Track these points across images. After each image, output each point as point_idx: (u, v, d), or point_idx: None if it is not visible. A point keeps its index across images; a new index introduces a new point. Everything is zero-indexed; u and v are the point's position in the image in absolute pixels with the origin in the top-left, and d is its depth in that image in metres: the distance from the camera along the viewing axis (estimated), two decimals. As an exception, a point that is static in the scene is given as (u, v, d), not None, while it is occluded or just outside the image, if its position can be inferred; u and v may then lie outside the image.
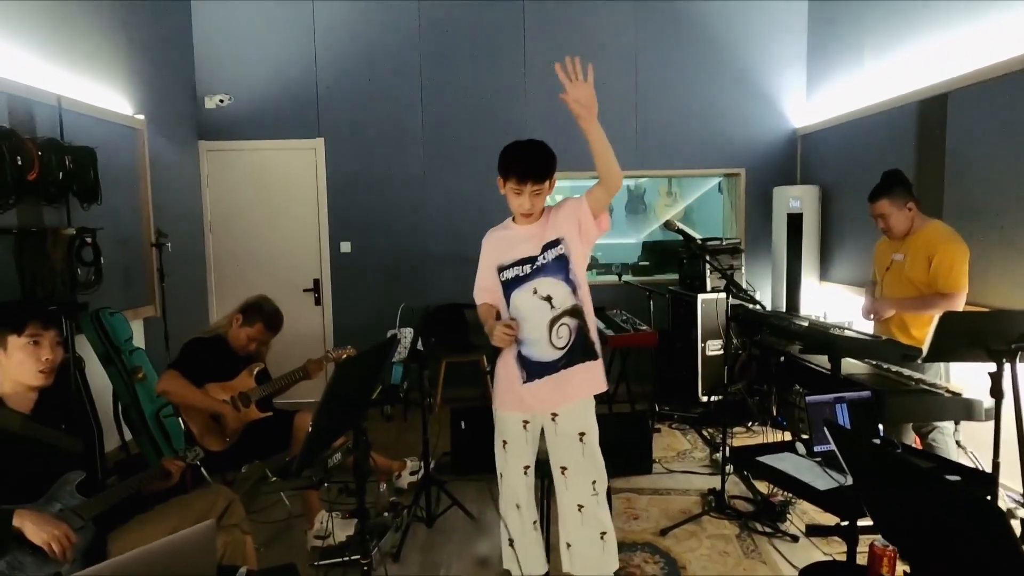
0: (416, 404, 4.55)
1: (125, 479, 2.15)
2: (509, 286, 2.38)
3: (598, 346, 2.42)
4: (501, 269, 2.39)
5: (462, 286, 5.53)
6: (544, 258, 2.32)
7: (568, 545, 2.45)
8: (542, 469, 2.52)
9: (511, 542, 2.50)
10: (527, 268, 2.34)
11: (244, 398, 3.05)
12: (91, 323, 3.62)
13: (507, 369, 2.42)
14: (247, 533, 2.23)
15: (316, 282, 5.50)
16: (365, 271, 5.50)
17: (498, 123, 5.43)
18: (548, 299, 2.31)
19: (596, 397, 2.47)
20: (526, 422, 2.42)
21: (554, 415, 2.39)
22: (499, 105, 5.46)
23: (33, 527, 1.79)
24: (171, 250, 4.43)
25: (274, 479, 2.97)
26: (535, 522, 2.53)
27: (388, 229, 5.50)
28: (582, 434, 2.38)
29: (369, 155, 5.44)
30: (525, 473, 2.46)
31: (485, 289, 2.51)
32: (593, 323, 2.40)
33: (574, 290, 2.33)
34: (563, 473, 2.40)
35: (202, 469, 2.82)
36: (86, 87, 3.82)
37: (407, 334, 3.44)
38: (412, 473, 3.70)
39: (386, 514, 3.12)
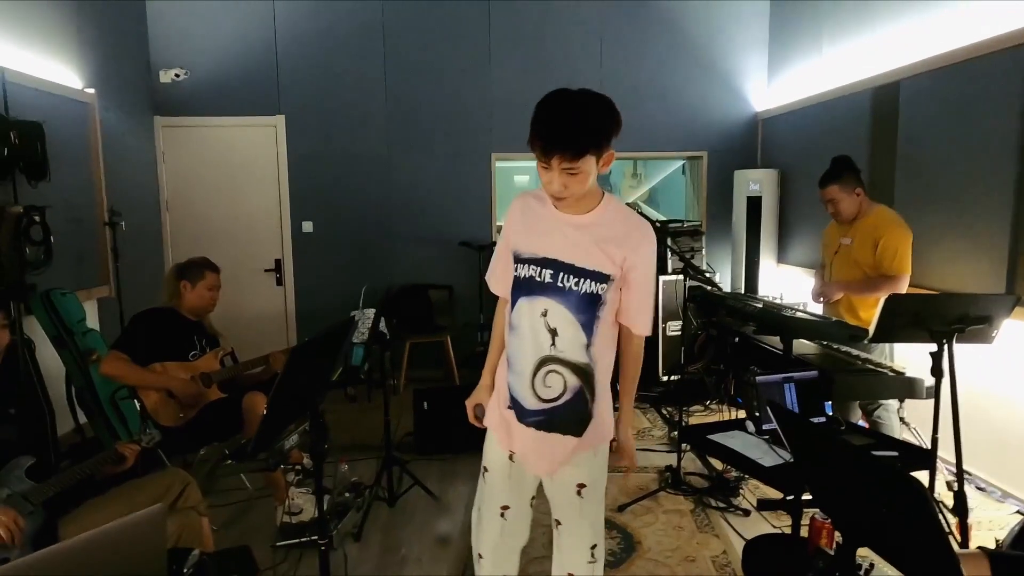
0: (379, 385, 4.55)
1: (78, 463, 2.13)
2: (520, 287, 1.73)
3: (601, 406, 1.78)
4: (518, 259, 1.74)
5: (426, 266, 5.55)
6: (579, 282, 1.66)
7: None
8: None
9: None
10: (548, 275, 1.68)
11: (206, 378, 3.03)
12: (41, 304, 3.53)
13: (499, 385, 1.86)
14: (203, 515, 2.23)
15: (277, 262, 5.43)
16: (328, 251, 5.44)
17: (463, 102, 5.39)
18: (553, 333, 1.68)
19: None
20: (513, 452, 1.83)
21: None
22: (464, 84, 5.41)
23: (-21, 513, 1.76)
24: (125, 229, 4.32)
25: (230, 461, 2.96)
26: None
27: (351, 209, 5.44)
28: (581, 486, 1.80)
29: (332, 133, 5.36)
30: (502, 515, 1.87)
31: (498, 276, 1.86)
32: (607, 398, 1.78)
33: (588, 344, 1.70)
34: (557, 528, 1.90)
35: (159, 452, 2.80)
36: (32, 60, 3.68)
37: (369, 315, 3.42)
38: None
39: (347, 494, 3.14)
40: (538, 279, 1.68)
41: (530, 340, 1.71)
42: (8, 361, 2.09)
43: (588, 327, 1.68)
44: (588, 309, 1.67)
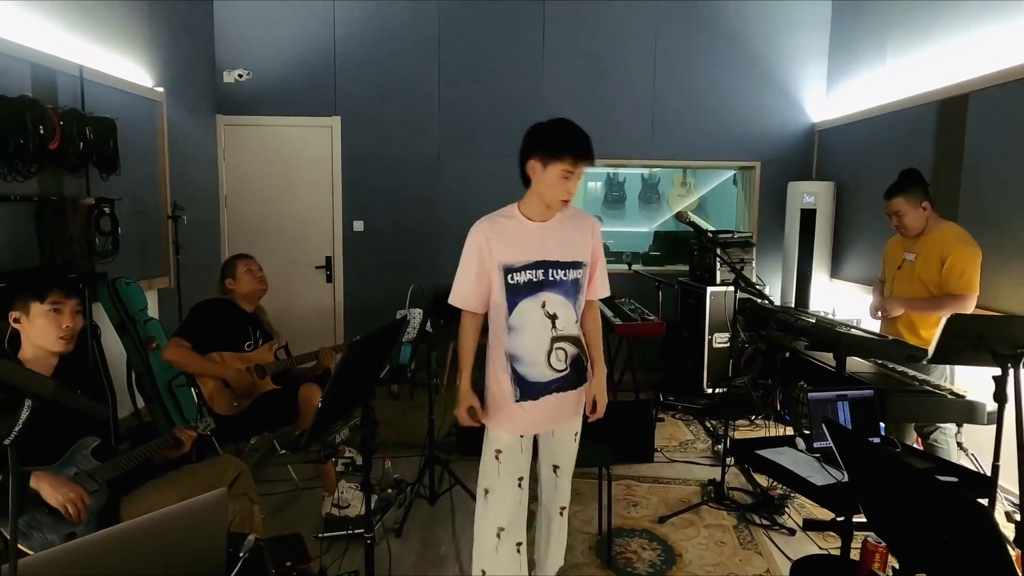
0: (423, 384, 4.60)
1: (137, 446, 2.21)
2: (518, 292, 2.10)
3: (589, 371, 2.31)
4: (510, 271, 2.09)
5: (472, 269, 5.59)
6: (565, 273, 2.12)
7: (546, 544, 2.42)
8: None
9: (483, 573, 2.20)
10: (540, 274, 2.09)
11: (260, 370, 3.12)
12: (107, 292, 3.68)
13: (499, 387, 2.19)
14: (255, 503, 2.29)
15: (328, 259, 5.54)
16: (377, 250, 5.53)
17: (515, 106, 5.43)
18: (553, 317, 2.11)
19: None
20: (522, 435, 2.22)
21: None
22: (517, 88, 5.45)
23: (50, 489, 1.85)
24: (187, 223, 4.48)
25: (283, 451, 3.03)
26: (519, 544, 2.22)
27: (401, 209, 5.52)
28: (576, 434, 2.35)
29: (385, 135, 5.46)
30: (519, 486, 2.20)
31: (472, 293, 2.15)
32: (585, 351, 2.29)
33: (577, 320, 2.19)
34: (555, 472, 2.32)
35: (213, 439, 2.89)
36: (107, 58, 3.85)
37: (417, 315, 3.47)
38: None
39: (390, 490, 3.18)
40: (535, 280, 2.09)
41: (537, 331, 2.12)
42: (78, 345, 2.19)
43: (575, 307, 2.16)
44: (574, 293, 2.15)
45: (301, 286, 5.52)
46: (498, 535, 2.17)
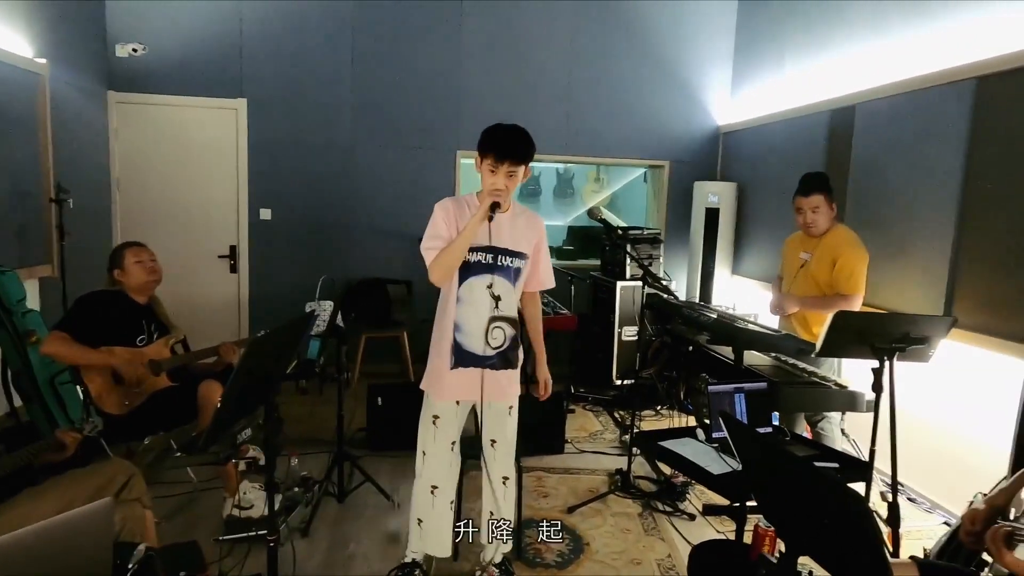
0: (332, 379, 4.49)
1: (14, 450, 2.04)
2: (469, 269, 2.34)
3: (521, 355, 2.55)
4: (467, 249, 2.33)
5: (386, 261, 5.49)
6: (511, 260, 2.36)
7: (491, 513, 2.53)
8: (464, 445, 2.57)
9: (419, 522, 2.49)
10: (491, 258, 2.34)
11: (155, 366, 2.93)
12: (-22, 281, 3.36)
13: (439, 356, 2.42)
14: (147, 508, 2.16)
15: (232, 248, 5.30)
16: (286, 240, 5.34)
17: (433, 99, 5.36)
18: (497, 298, 2.34)
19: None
20: (458, 401, 2.46)
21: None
22: (435, 81, 5.38)
23: (-93, 500, 1.68)
24: (73, 207, 4.15)
25: (179, 453, 2.88)
26: (451, 502, 2.52)
27: (312, 198, 5.35)
28: (510, 407, 2.52)
29: (295, 121, 5.26)
30: (452, 449, 2.49)
31: (445, 238, 2.32)
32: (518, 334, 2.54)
33: (516, 305, 2.44)
34: (492, 445, 2.50)
35: (101, 440, 2.70)
36: (-21, 24, 3.51)
37: (327, 307, 3.38)
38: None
39: (296, 489, 3.09)
40: (484, 262, 2.33)
41: (480, 308, 2.35)
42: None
43: (516, 292, 2.42)
44: (516, 280, 2.40)
45: (202, 276, 5.25)
46: (432, 492, 2.45)
